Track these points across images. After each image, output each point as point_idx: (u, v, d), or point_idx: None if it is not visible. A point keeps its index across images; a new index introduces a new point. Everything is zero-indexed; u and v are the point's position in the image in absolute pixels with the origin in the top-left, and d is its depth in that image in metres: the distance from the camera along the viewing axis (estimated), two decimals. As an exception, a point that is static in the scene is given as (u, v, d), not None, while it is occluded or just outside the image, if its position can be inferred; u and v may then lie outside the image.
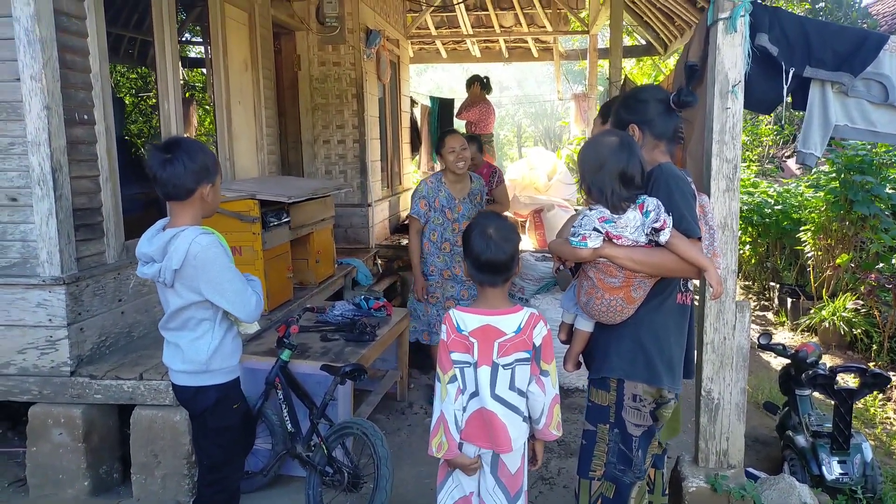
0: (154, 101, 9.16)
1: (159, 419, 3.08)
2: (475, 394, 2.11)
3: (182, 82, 4.47)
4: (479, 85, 8.72)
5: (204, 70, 9.01)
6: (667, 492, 2.60)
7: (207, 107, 8.43)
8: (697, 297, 2.49)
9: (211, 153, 2.35)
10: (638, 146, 2.14)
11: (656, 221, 2.03)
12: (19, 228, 3.12)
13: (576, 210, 6.87)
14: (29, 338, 3.13)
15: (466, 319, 2.13)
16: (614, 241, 2.07)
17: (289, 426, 3.10)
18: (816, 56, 2.79)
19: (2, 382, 3.17)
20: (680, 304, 2.25)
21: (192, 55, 8.82)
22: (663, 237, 2.04)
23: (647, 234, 2.07)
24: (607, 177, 2.04)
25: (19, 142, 3.07)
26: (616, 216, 2.06)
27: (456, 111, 9.30)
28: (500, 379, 2.10)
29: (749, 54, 2.77)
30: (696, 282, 2.54)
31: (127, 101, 8.86)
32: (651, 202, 2.05)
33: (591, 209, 2.11)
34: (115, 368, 3.17)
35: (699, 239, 2.13)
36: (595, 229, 2.06)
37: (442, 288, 4.29)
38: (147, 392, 3.10)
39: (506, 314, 2.13)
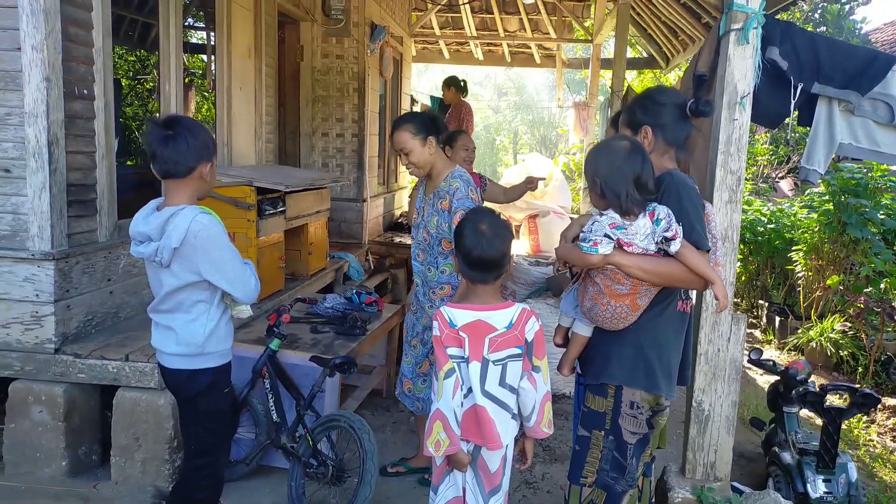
0: (152, 84, 9.13)
1: (143, 402, 3.03)
2: (469, 390, 2.10)
3: (182, 67, 4.42)
4: (454, 88, 8.12)
5: (203, 56, 8.97)
6: (653, 500, 2.58)
7: (206, 93, 8.38)
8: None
9: (209, 131, 2.31)
10: (646, 151, 2.13)
11: (667, 230, 2.01)
12: (11, 200, 3.06)
13: (570, 218, 6.87)
14: (14, 312, 3.07)
15: (457, 315, 2.11)
16: (624, 248, 2.05)
17: (274, 416, 3.05)
18: (825, 73, 2.80)
19: (-17, 356, 3.11)
20: (680, 312, 2.24)
21: (193, 41, 8.78)
22: (674, 247, 2.02)
23: (657, 243, 2.04)
24: (622, 180, 2.01)
25: (16, 112, 3.01)
26: (627, 223, 2.03)
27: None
28: (490, 375, 2.09)
29: (759, 67, 2.77)
30: (695, 291, 2.53)
31: (124, 84, 8.79)
32: (662, 210, 2.03)
33: (601, 215, 2.08)
34: (101, 348, 3.11)
35: (708, 251, 2.11)
36: (606, 235, 2.03)
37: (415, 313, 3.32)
38: (132, 374, 3.04)
39: (497, 309, 2.12)
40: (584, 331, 2.30)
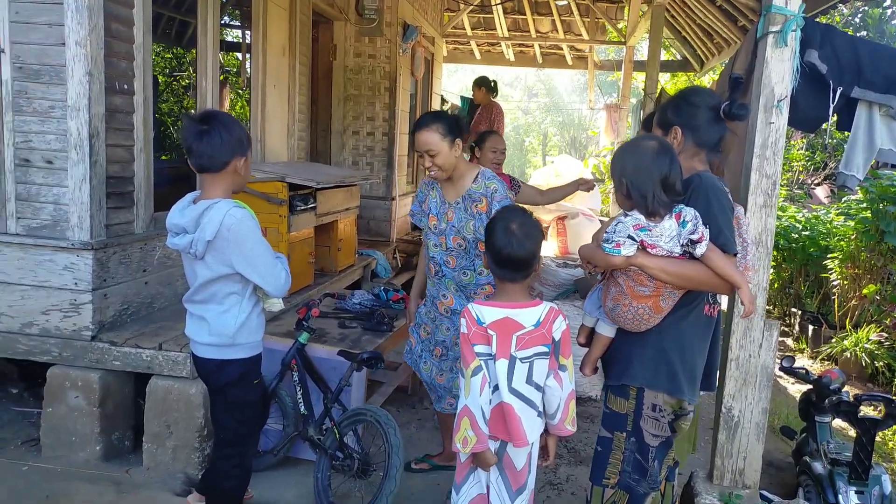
0: (187, 81, 9.31)
1: (175, 390, 3.09)
2: (496, 387, 2.10)
3: (218, 64, 4.50)
4: (484, 88, 8.02)
5: (239, 54, 9.12)
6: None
7: (241, 91, 8.53)
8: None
9: (243, 126, 2.36)
10: (675, 152, 2.10)
11: (693, 233, 1.99)
12: (52, 191, 3.15)
13: (600, 221, 6.83)
14: (53, 299, 3.16)
15: (485, 312, 2.12)
16: (648, 249, 2.03)
17: (302, 408, 3.09)
18: (866, 77, 2.74)
19: (24, 342, 3.20)
20: (707, 316, 2.21)
21: (228, 39, 8.94)
22: (700, 250, 2.00)
23: (682, 245, 2.02)
24: (649, 180, 1.99)
25: (59, 106, 3.10)
26: (652, 224, 2.01)
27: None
28: (517, 372, 2.10)
29: (797, 70, 2.72)
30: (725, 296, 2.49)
31: (161, 80, 8.98)
32: (689, 212, 2.01)
33: (626, 215, 2.07)
34: (135, 337, 3.19)
35: (735, 255, 2.08)
36: (629, 237, 2.01)
37: (433, 322, 3.07)
38: (165, 362, 3.11)
39: (525, 307, 2.13)
40: (607, 331, 2.29)
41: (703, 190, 2.09)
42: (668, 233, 2.01)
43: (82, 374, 3.15)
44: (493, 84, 8.17)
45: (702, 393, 2.67)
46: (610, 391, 2.26)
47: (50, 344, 3.19)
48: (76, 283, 3.13)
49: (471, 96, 8.98)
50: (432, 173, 2.91)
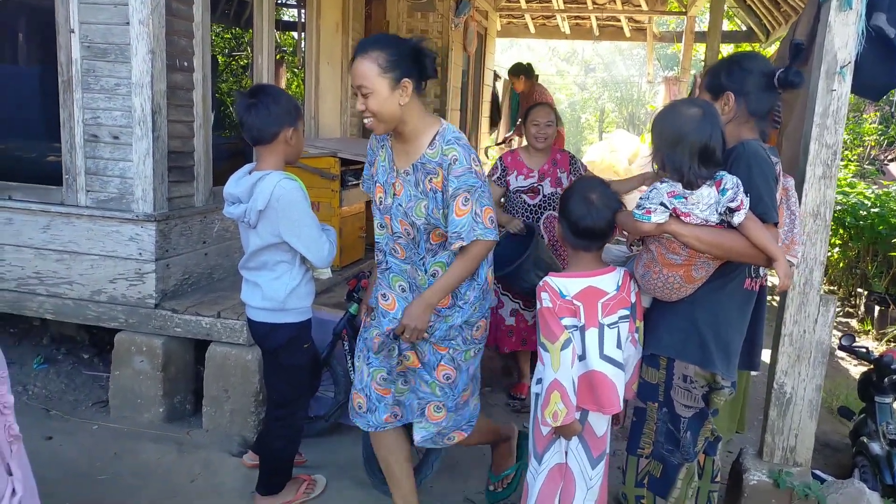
0: (245, 61, 9.50)
1: (232, 356, 3.23)
2: (581, 357, 2.11)
3: (274, 43, 4.59)
4: (524, 76, 7.59)
5: (294, 34, 9.25)
6: (716, 479, 2.49)
7: (295, 69, 8.67)
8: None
9: (293, 98, 2.42)
10: (720, 118, 2.04)
11: (732, 201, 1.94)
12: (118, 165, 3.31)
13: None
14: (120, 268, 3.34)
15: (568, 285, 2.13)
16: (682, 218, 1.99)
17: (352, 376, 3.18)
18: (939, 41, 2.58)
19: (94, 308, 3.40)
20: (747, 290, 2.16)
21: (284, 18, 9.07)
22: (737, 218, 1.95)
23: (719, 213, 1.97)
24: (686, 153, 1.94)
25: (124, 83, 3.23)
26: (687, 192, 1.97)
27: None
28: (607, 339, 2.11)
29: (862, 34, 2.59)
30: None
31: (220, 60, 9.20)
32: (730, 180, 1.96)
33: (662, 182, 2.03)
34: (196, 305, 3.34)
35: (775, 225, 2.02)
36: (662, 204, 1.97)
37: (377, 319, 2.40)
38: (223, 330, 3.25)
39: (604, 273, 2.15)
40: (643, 301, 2.28)
41: (745, 157, 2.04)
42: (704, 201, 1.96)
43: (147, 339, 3.32)
44: (528, 67, 7.79)
45: (753, 373, 2.62)
46: (643, 360, 2.26)
47: (117, 311, 3.37)
48: (140, 254, 3.30)
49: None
50: (367, 123, 2.16)
